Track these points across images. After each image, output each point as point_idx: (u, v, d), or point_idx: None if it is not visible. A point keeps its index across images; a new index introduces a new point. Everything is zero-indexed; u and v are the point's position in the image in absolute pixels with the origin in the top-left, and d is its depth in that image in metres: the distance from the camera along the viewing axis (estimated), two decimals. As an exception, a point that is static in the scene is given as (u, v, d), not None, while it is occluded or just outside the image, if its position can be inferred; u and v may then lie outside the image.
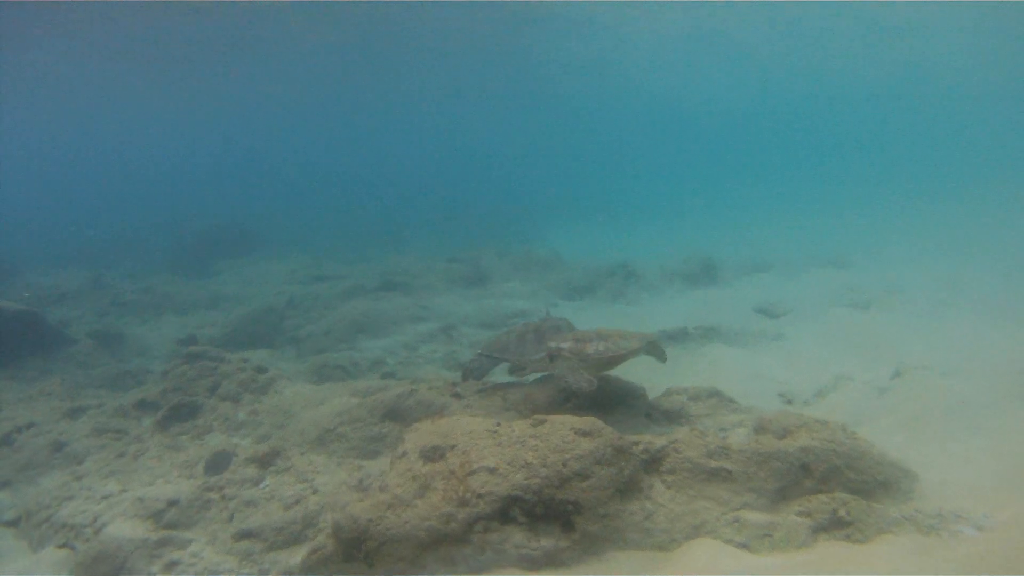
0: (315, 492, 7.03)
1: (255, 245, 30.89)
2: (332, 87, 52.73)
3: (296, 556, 6.18)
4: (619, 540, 5.27)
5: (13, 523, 7.89)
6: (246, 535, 6.57)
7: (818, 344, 11.95)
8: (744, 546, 5.14)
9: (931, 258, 19.79)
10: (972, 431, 7.54)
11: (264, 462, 7.64)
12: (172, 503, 6.98)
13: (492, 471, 5.31)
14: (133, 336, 16.44)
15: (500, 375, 9.29)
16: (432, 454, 5.70)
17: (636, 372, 10.57)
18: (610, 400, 7.46)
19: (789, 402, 9.37)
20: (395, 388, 8.62)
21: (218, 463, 7.77)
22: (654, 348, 8.14)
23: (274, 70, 43.78)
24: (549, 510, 5.21)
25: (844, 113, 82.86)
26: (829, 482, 5.74)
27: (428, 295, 18.91)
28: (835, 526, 5.25)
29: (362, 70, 46.19)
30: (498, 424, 5.92)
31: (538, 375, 8.14)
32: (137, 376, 13.47)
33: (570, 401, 7.37)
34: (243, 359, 10.86)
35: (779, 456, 5.76)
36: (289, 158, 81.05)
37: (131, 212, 41.93)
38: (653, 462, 5.78)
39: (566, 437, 5.54)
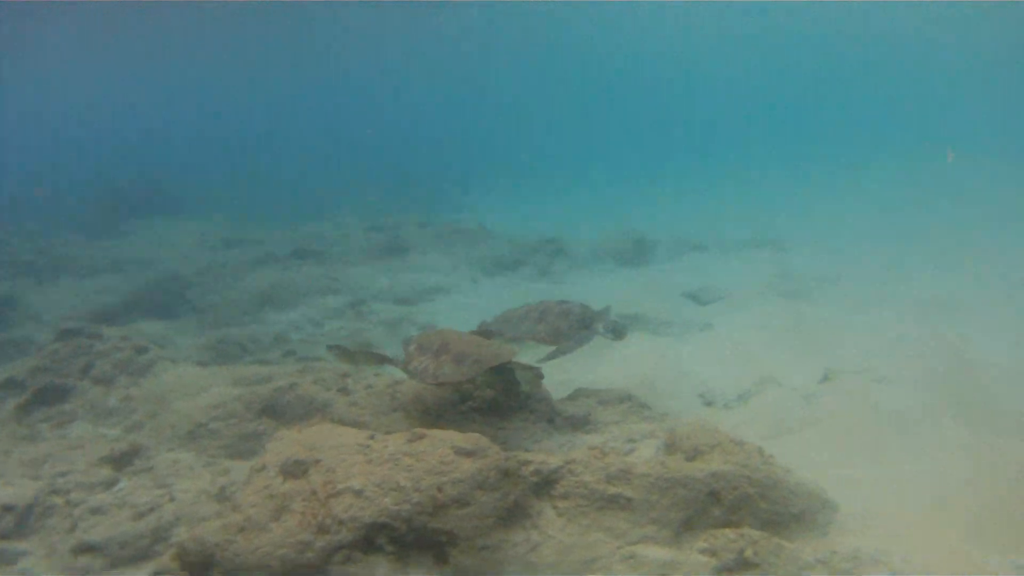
0: (172, 500, 6.32)
1: (173, 205, 29.48)
2: (257, 45, 51.71)
3: (140, 576, 5.52)
4: (498, 575, 4.70)
5: None
6: (87, 548, 5.86)
7: (747, 337, 11.48)
8: (639, 588, 4.61)
9: (876, 243, 19.43)
10: (903, 449, 7.11)
11: (122, 461, 6.93)
12: (8, 509, 6.23)
13: (358, 493, 4.71)
14: (25, 302, 15.49)
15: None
16: (294, 469, 5.08)
17: (549, 368, 10.05)
18: (510, 403, 6.86)
19: (709, 404, 8.88)
20: (276, 379, 7.96)
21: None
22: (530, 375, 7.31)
23: (199, 26, 42.62)
24: (421, 539, 4.64)
25: (796, 87, 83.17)
26: (739, 512, 5.23)
27: (343, 265, 18.25)
28: (741, 568, 4.75)
29: (287, 27, 45.24)
30: (372, 437, 5.31)
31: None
32: (22, 347, 12.65)
33: (466, 402, 6.79)
34: (124, 336, 10.01)
35: (686, 482, 5.22)
36: (215, 116, 79.10)
37: (49, 170, 40.18)
38: (545, 485, 5.21)
39: (445, 457, 4.94)
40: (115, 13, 36.98)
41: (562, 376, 9.77)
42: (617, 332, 8.29)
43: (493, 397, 6.77)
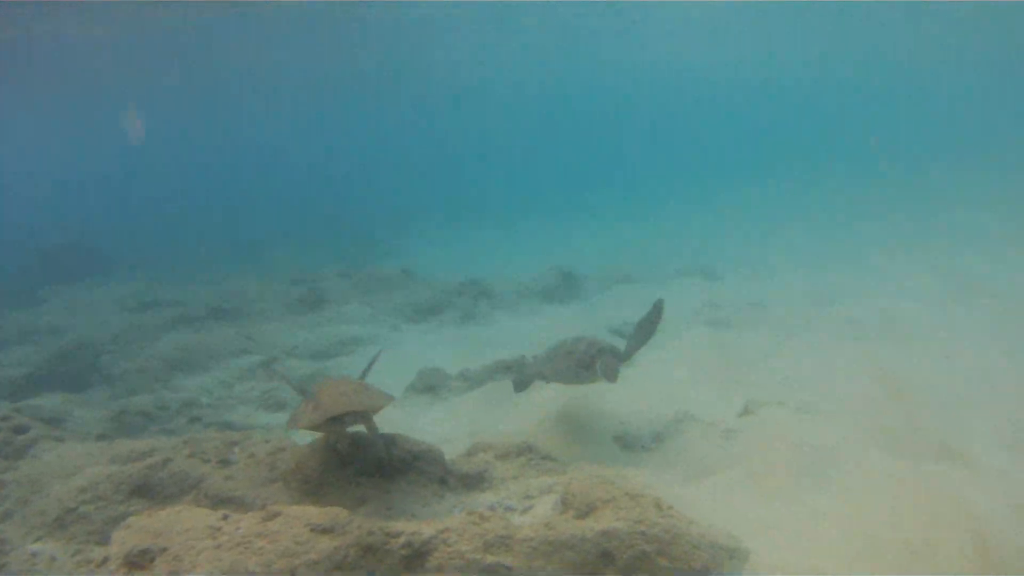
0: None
1: (102, 267, 28.76)
2: (186, 97, 51.33)
3: None
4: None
5: None
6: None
7: (669, 371, 11.14)
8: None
9: (812, 266, 19.28)
10: (822, 488, 6.74)
11: (-29, 556, 6.37)
12: None
13: (204, 583, 4.22)
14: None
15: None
16: (139, 559, 4.58)
17: (462, 416, 9.62)
18: (396, 465, 6.38)
19: (627, 447, 8.46)
20: (156, 454, 7.43)
21: None
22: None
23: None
24: (277, 630, 4.14)
25: (726, 105, 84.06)
26: (636, 572, 4.81)
27: (259, 322, 17.68)
28: (631, 637, 4.30)
29: (206, 78, 44.94)
30: (225, 518, 4.83)
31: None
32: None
33: (347, 467, 6.29)
34: (3, 416, 9.45)
35: (573, 544, 4.78)
36: (145, 171, 78.18)
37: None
38: (417, 558, 4.73)
39: (299, 536, 4.48)
40: (51, 53, 36.27)
41: (471, 427, 9.37)
42: (607, 372, 7.98)
43: (379, 460, 6.29)
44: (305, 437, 7.05)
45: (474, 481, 6.57)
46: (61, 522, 6.90)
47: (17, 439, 9.07)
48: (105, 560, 4.69)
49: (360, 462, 6.30)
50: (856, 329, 12.72)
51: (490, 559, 4.68)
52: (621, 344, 8.54)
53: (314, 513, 4.66)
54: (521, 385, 8.96)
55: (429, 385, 11.71)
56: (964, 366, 10.25)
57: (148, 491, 6.88)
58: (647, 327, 8.42)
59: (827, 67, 70.35)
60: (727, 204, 33.53)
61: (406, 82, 58.91)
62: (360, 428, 6.39)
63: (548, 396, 10.08)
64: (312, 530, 4.51)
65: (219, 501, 6.23)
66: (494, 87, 67.21)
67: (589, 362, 8.13)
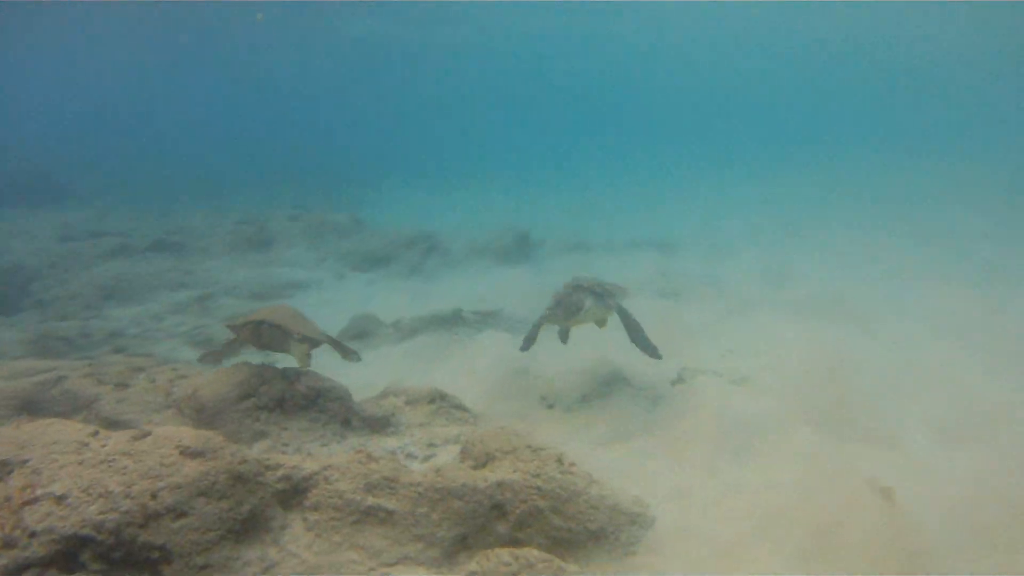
0: None
1: (56, 194, 28.33)
2: (163, 41, 50.64)
3: None
4: (220, 600, 3.97)
5: None
6: None
7: (608, 336, 10.84)
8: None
9: (770, 244, 19.07)
10: (743, 459, 6.54)
11: None
12: None
13: (60, 500, 3.95)
14: None
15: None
16: (-2, 470, 4.26)
17: (388, 365, 9.34)
18: (298, 400, 6.09)
19: (551, 406, 8.21)
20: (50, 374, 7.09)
21: None
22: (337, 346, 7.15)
23: (105, 20, 41.46)
24: (131, 555, 3.84)
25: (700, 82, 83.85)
26: (528, 528, 4.56)
27: (201, 259, 17.38)
28: (511, 595, 4.03)
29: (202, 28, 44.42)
30: (95, 434, 4.50)
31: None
32: None
33: (248, 399, 5.99)
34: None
35: (463, 494, 4.52)
36: (120, 107, 77.12)
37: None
38: (296, 494, 4.47)
39: (167, 457, 4.19)
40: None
41: (397, 376, 9.09)
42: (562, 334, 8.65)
43: (280, 395, 5.99)
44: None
45: (379, 424, 6.30)
46: (-55, 435, 6.58)
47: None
48: (-38, 469, 4.38)
49: (259, 395, 6.01)
50: (806, 308, 12.50)
51: (371, 501, 4.42)
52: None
53: (186, 435, 4.36)
54: (529, 341, 8.37)
55: (361, 331, 11.43)
56: (909, 352, 10.04)
57: (36, 407, 6.57)
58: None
59: (811, 56, 70.23)
60: (700, 184, 33.34)
61: (388, 41, 58.20)
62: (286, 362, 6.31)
63: (481, 350, 9.85)
64: (181, 452, 4.22)
65: (109, 423, 5.94)
66: (479, 48, 66.69)
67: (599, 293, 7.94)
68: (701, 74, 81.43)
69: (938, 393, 8.40)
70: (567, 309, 7.71)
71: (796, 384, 8.45)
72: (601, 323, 8.53)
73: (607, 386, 8.50)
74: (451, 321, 11.49)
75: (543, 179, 36.96)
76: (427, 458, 5.75)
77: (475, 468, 4.90)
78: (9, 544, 3.77)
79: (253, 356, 7.22)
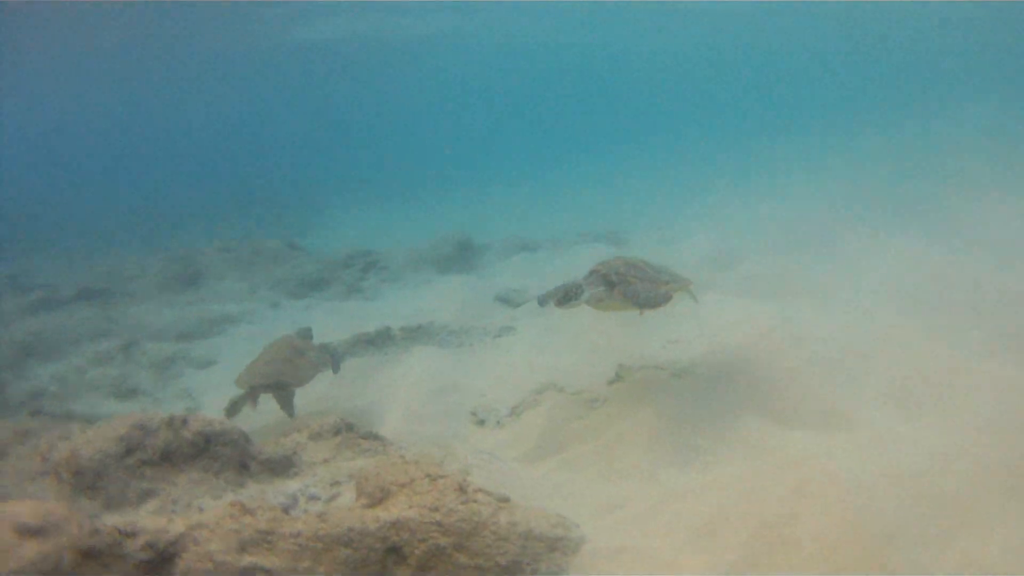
0: None
1: None
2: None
3: None
4: None
5: None
6: None
7: (547, 339, 10.53)
8: None
9: (720, 233, 18.65)
10: (684, 459, 6.18)
11: None
12: None
13: None
14: None
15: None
16: None
17: (312, 391, 8.94)
18: (186, 450, 5.63)
19: (481, 422, 7.84)
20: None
21: None
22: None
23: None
24: (-26, 660, 3.39)
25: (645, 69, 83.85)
26: (431, 571, 4.16)
27: (128, 304, 16.88)
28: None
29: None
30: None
31: None
32: None
33: (133, 454, 5.53)
34: None
35: (351, 540, 4.10)
36: (47, 143, 76.25)
37: None
38: (163, 562, 4.00)
39: (2, 539, 3.70)
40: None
41: (319, 405, 8.71)
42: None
43: (165, 445, 5.53)
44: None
45: (281, 466, 5.85)
46: None
47: None
48: None
49: (144, 448, 5.56)
50: (754, 287, 12.14)
51: (247, 560, 3.98)
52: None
53: (26, 510, 3.89)
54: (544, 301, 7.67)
55: (283, 359, 11.03)
56: (862, 321, 9.69)
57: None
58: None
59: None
60: (650, 173, 33.09)
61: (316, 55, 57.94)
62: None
63: (406, 369, 9.50)
64: (19, 531, 3.75)
65: (-17, 498, 5.45)
66: (421, 57, 66.56)
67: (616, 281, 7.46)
68: (645, 67, 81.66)
69: (893, 363, 8.07)
70: (566, 294, 7.25)
71: (740, 369, 8.08)
72: (643, 307, 7.41)
73: (538, 394, 8.17)
74: (378, 341, 11.12)
75: (489, 184, 36.63)
76: (331, 498, 5.34)
77: (369, 506, 4.49)
78: None
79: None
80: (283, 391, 8.07)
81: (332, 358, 8.85)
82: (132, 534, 4.03)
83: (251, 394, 8.08)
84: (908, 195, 17.57)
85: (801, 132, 36.25)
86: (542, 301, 7.59)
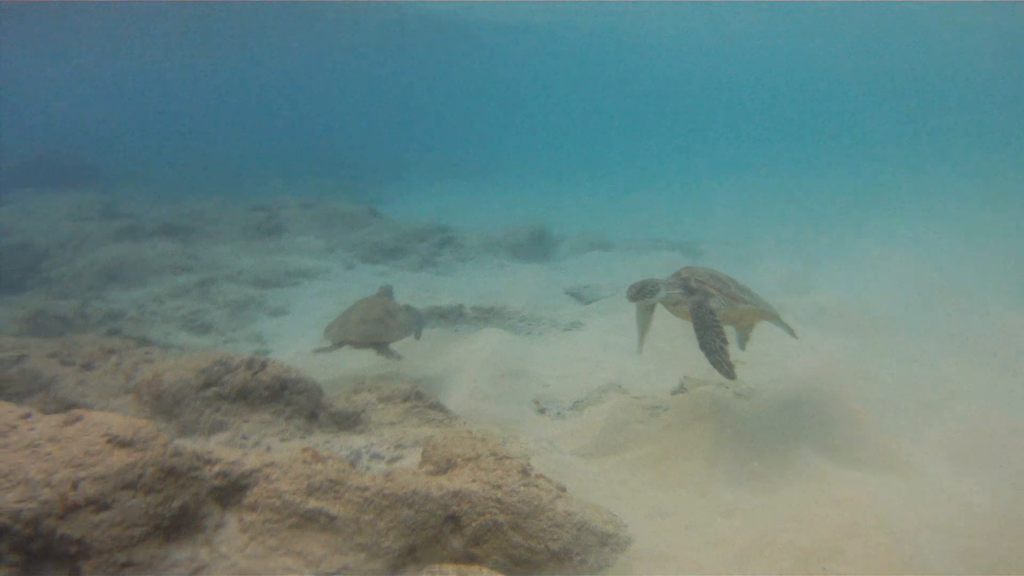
0: None
1: (84, 176, 28.85)
2: (199, 34, 51.09)
3: None
4: (143, 602, 3.73)
5: None
6: None
7: (614, 339, 10.59)
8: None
9: (796, 257, 18.56)
10: (738, 479, 6.23)
11: None
12: None
13: (-23, 485, 3.68)
14: None
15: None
16: (-83, 453, 4.03)
17: (378, 358, 9.11)
18: (262, 392, 5.84)
19: (543, 411, 7.97)
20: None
21: None
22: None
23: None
24: (50, 548, 3.61)
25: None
26: (484, 544, 4.30)
27: (209, 244, 17.36)
28: (452, 619, 3.78)
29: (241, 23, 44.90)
30: (26, 416, 4.26)
31: None
32: None
33: (210, 388, 5.76)
34: None
35: (414, 502, 4.24)
36: (145, 93, 77.74)
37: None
38: (235, 491, 4.20)
39: (93, 445, 3.93)
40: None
41: (384, 370, 8.87)
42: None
43: (243, 384, 5.75)
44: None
45: (348, 421, 6.05)
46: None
47: None
48: None
49: (222, 383, 5.78)
50: (825, 317, 12.12)
51: (312, 504, 4.16)
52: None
53: (118, 422, 4.10)
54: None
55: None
56: (929, 369, 9.69)
57: (-7, 385, 6.37)
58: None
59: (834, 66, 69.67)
60: (732, 189, 32.87)
61: (417, 36, 58.34)
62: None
63: (480, 344, 9.65)
64: (109, 440, 3.96)
65: (65, 406, 5.73)
66: (522, 41, 66.69)
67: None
68: (739, 75, 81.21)
69: (956, 416, 8.08)
70: (641, 288, 7.16)
71: (803, 399, 8.12)
72: (697, 334, 7.25)
73: (602, 393, 8.26)
74: (450, 316, 11.31)
75: (571, 178, 36.70)
76: (393, 459, 5.51)
77: (434, 474, 4.65)
78: (-81, 529, 3.56)
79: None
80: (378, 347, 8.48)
81: (417, 323, 9.07)
82: (210, 461, 4.23)
83: (336, 347, 8.43)
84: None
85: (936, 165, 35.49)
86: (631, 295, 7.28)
